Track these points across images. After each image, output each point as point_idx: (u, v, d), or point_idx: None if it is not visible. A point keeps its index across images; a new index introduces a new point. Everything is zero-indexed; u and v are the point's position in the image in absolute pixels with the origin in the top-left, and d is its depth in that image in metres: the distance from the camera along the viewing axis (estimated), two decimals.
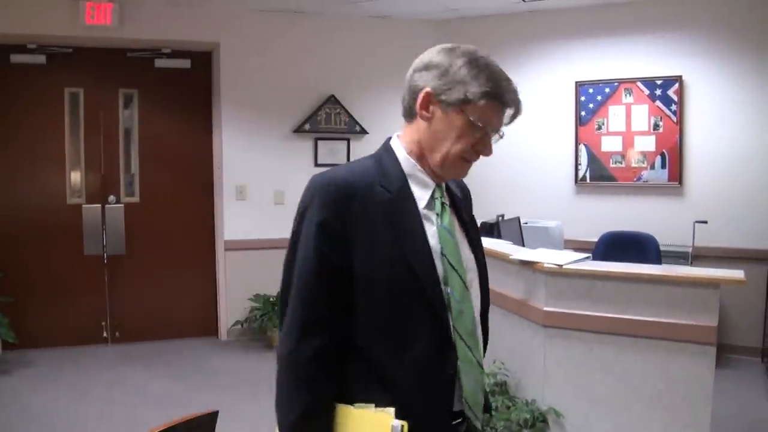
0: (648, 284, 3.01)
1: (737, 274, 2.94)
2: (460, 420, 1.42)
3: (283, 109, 5.79)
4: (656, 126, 5.34)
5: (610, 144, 5.51)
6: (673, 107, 5.26)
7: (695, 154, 5.26)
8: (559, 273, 3.15)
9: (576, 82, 5.57)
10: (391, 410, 1.30)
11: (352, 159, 5.94)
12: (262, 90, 5.74)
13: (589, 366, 3.13)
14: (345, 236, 1.33)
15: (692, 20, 5.22)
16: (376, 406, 1.32)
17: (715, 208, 5.14)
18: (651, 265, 3.65)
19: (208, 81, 5.82)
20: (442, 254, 1.38)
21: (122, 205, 5.62)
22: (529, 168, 5.64)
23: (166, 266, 5.75)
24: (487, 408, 1.51)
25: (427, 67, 1.38)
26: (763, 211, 5.05)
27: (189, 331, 5.78)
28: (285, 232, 5.98)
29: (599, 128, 5.54)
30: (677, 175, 5.29)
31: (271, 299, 5.58)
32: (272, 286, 5.65)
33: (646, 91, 5.35)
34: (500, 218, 4.56)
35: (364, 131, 5.98)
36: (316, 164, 5.91)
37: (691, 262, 4.91)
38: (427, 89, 1.37)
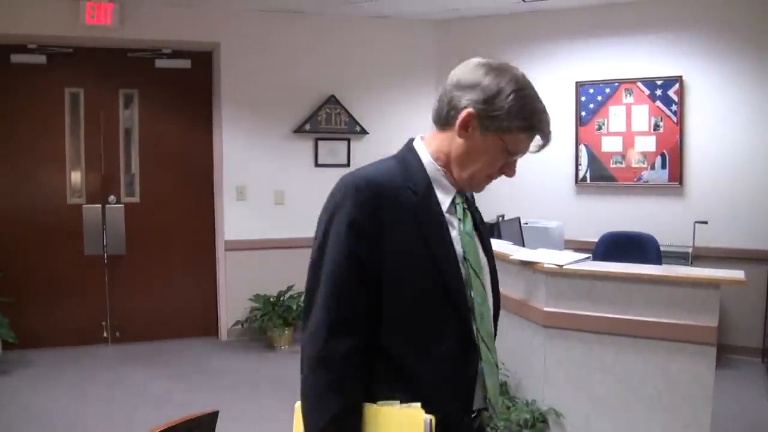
0: (648, 284, 3.01)
1: (737, 274, 2.94)
2: (473, 416, 1.46)
3: (283, 109, 5.79)
4: (656, 126, 5.34)
5: (610, 144, 5.51)
6: (674, 107, 5.26)
7: (695, 155, 5.26)
8: (559, 273, 3.15)
9: (576, 83, 5.57)
10: (418, 405, 1.31)
11: (352, 159, 5.98)
12: (262, 90, 5.74)
13: (589, 366, 3.13)
14: (375, 236, 1.33)
15: (692, 20, 5.22)
16: (401, 403, 1.33)
17: (715, 208, 5.14)
18: (651, 266, 3.65)
19: (208, 81, 5.82)
20: (465, 258, 1.42)
21: (122, 205, 5.62)
22: (529, 168, 5.57)
23: (166, 266, 5.75)
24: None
25: (472, 87, 1.38)
26: (763, 212, 5.05)
27: (189, 331, 5.78)
28: (285, 232, 5.98)
29: (599, 128, 5.54)
30: (677, 175, 5.29)
31: (271, 299, 5.58)
32: (272, 286, 5.66)
33: (647, 92, 5.35)
34: (500, 218, 4.56)
35: (364, 131, 5.98)
36: (316, 164, 5.91)
37: (692, 263, 4.90)
38: (471, 110, 1.37)
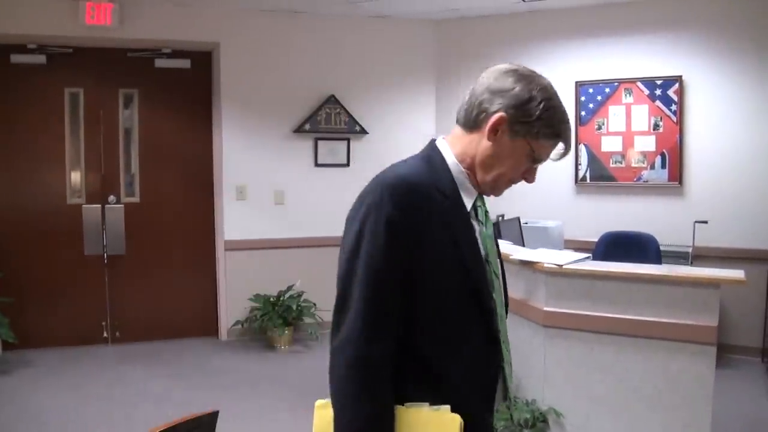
0: (648, 284, 3.01)
1: (737, 274, 2.94)
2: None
3: (283, 109, 5.79)
4: (656, 126, 5.34)
5: (610, 144, 5.51)
6: (673, 107, 5.26)
7: (695, 154, 5.26)
8: (559, 273, 3.15)
9: (576, 82, 5.57)
10: (447, 407, 1.32)
11: (351, 159, 5.98)
12: (262, 90, 5.74)
13: (589, 366, 3.13)
14: (412, 236, 1.33)
15: (692, 20, 5.22)
16: (431, 404, 1.34)
17: (715, 208, 5.14)
18: (651, 265, 3.65)
19: (208, 81, 5.82)
20: (487, 261, 1.45)
21: (122, 205, 5.62)
22: None
23: (166, 266, 5.75)
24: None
25: (504, 92, 1.40)
26: (763, 212, 5.05)
27: (189, 331, 5.78)
28: (285, 231, 5.96)
29: (599, 128, 5.54)
30: (677, 175, 5.29)
31: (271, 299, 5.58)
32: (272, 286, 5.66)
33: (646, 91, 5.35)
34: (500, 218, 4.56)
35: (364, 131, 5.98)
36: (316, 164, 5.91)
37: (691, 262, 4.90)
38: (503, 114, 1.39)
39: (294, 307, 5.52)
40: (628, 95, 5.42)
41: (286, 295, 5.61)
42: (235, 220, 5.73)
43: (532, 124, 1.39)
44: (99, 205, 5.56)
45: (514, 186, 1.51)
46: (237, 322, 5.71)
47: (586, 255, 3.46)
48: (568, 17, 5.60)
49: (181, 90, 5.73)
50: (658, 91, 5.31)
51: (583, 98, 5.57)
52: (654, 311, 2.98)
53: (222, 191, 5.72)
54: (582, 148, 5.60)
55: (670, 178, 5.31)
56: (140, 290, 5.66)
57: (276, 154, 5.80)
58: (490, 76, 1.43)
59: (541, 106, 1.38)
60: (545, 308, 3.19)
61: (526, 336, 3.36)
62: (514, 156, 1.42)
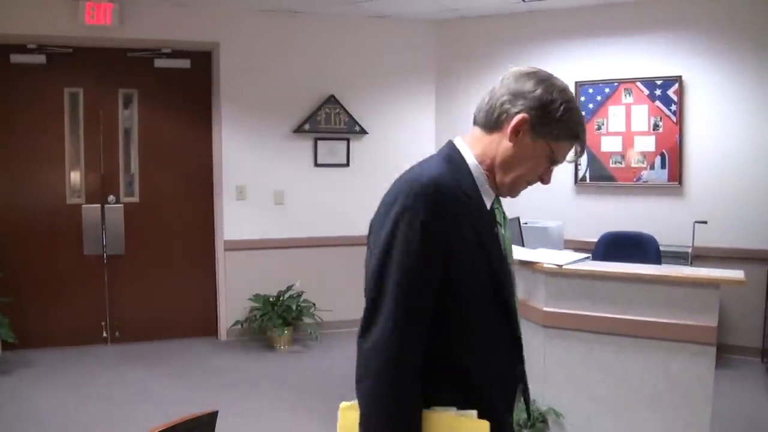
0: (648, 284, 3.01)
1: (737, 274, 2.94)
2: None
3: (283, 109, 5.79)
4: (656, 126, 5.34)
5: (609, 144, 5.51)
6: (673, 107, 5.26)
7: (695, 154, 5.26)
8: (559, 273, 3.15)
9: (576, 82, 5.56)
10: (473, 412, 1.33)
11: (351, 159, 5.98)
12: (262, 90, 5.74)
13: (589, 366, 3.13)
14: (443, 239, 1.33)
15: (692, 20, 5.22)
16: (458, 408, 1.34)
17: (715, 208, 5.14)
18: (651, 266, 3.65)
19: (208, 81, 5.82)
20: (507, 262, 1.49)
21: (122, 205, 5.62)
22: None
23: (166, 266, 5.75)
24: None
25: (526, 94, 1.42)
26: (763, 212, 5.05)
27: (189, 331, 5.78)
28: (285, 231, 5.95)
29: (599, 128, 5.54)
30: (677, 175, 5.29)
31: (271, 299, 5.58)
32: (272, 286, 5.65)
33: (646, 91, 5.35)
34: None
35: (364, 131, 5.98)
36: (316, 164, 5.91)
37: (691, 263, 4.90)
38: (525, 116, 1.41)
39: (294, 307, 5.52)
40: (627, 95, 5.42)
41: (286, 295, 5.61)
42: (235, 220, 5.73)
43: (553, 126, 1.41)
44: (98, 205, 5.56)
45: None
46: (237, 322, 5.71)
47: (586, 255, 3.46)
48: (568, 17, 5.60)
49: (181, 90, 5.73)
50: (657, 91, 5.31)
51: (582, 98, 5.56)
52: (654, 311, 2.98)
53: (222, 191, 5.72)
54: None
55: (670, 179, 5.31)
56: (140, 290, 5.66)
57: (276, 154, 5.80)
58: (511, 79, 1.45)
59: (562, 108, 1.41)
60: (545, 308, 3.19)
61: (525, 336, 3.31)
62: (534, 157, 1.44)
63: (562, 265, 3.14)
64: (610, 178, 5.53)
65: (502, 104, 1.43)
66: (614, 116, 5.48)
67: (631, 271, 3.11)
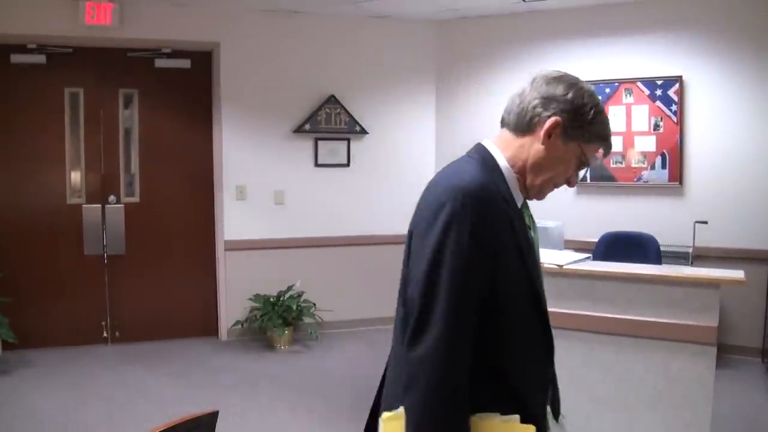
0: (648, 284, 3.01)
1: (737, 274, 2.94)
2: None
3: (283, 109, 5.79)
4: (656, 126, 5.34)
5: None
6: (674, 107, 5.26)
7: (695, 154, 5.26)
8: (559, 273, 3.15)
9: None
10: (516, 417, 1.35)
11: (352, 159, 5.98)
12: (262, 90, 5.74)
13: (589, 366, 3.13)
14: (491, 244, 1.33)
15: (692, 20, 5.21)
16: (502, 414, 1.35)
17: (715, 208, 5.14)
18: (651, 266, 3.65)
19: (208, 81, 5.81)
20: (539, 266, 1.51)
21: (122, 205, 5.62)
22: None
23: (166, 266, 5.75)
24: None
25: (557, 98, 1.44)
26: (763, 212, 5.04)
27: (189, 331, 5.78)
28: (285, 232, 5.95)
29: None
30: (677, 175, 5.29)
31: (271, 299, 5.58)
32: (272, 286, 5.65)
33: (647, 92, 5.35)
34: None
35: (364, 131, 5.98)
36: (316, 164, 5.91)
37: (692, 263, 4.90)
38: (558, 119, 1.43)
39: (294, 307, 5.52)
40: (628, 95, 5.42)
41: (286, 295, 5.61)
42: (235, 220, 5.73)
43: (584, 129, 1.45)
44: (99, 205, 5.56)
45: None
46: (237, 322, 5.71)
47: (587, 255, 3.46)
48: (568, 17, 5.60)
49: (181, 90, 5.73)
50: (658, 92, 5.31)
51: None
52: (654, 311, 2.98)
53: (222, 191, 5.72)
54: None
55: (671, 179, 5.31)
56: (140, 290, 5.66)
57: (276, 154, 5.80)
58: (541, 82, 1.46)
59: (592, 111, 1.45)
60: None
61: None
62: (564, 160, 1.46)
63: (562, 265, 3.14)
64: (610, 178, 5.53)
65: (534, 107, 1.45)
66: (615, 116, 5.47)
67: (632, 271, 3.11)
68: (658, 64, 5.31)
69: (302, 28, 5.79)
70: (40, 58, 5.31)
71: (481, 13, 5.78)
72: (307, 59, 5.83)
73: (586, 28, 5.56)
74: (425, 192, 1.42)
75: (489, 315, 1.33)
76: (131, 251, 5.63)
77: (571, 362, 3.16)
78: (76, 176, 5.54)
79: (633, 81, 5.38)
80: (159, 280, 5.72)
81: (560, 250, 4.19)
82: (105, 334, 5.60)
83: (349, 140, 5.97)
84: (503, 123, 1.50)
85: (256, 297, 5.62)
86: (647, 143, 5.37)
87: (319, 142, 5.90)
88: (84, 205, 5.52)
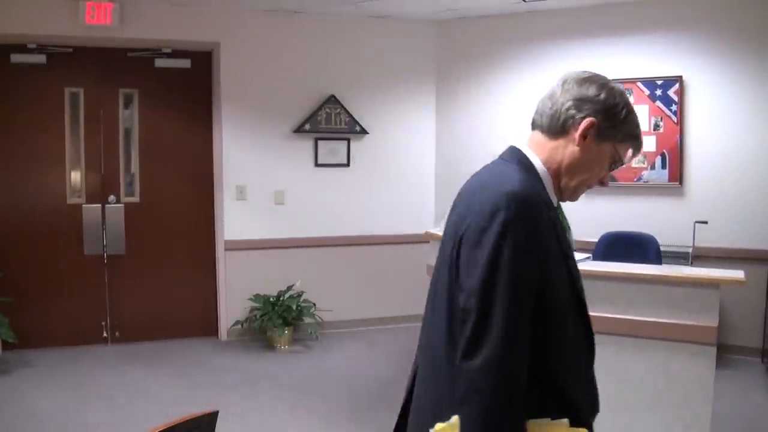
0: (648, 284, 3.00)
1: (737, 274, 2.94)
2: None
3: (283, 109, 5.79)
4: (656, 126, 5.34)
5: None
6: (674, 107, 5.26)
7: (695, 155, 5.26)
8: None
9: None
10: (566, 421, 1.35)
11: (352, 159, 5.98)
12: (262, 90, 5.74)
13: None
14: (542, 251, 1.33)
15: (692, 20, 5.21)
16: (551, 419, 1.34)
17: (715, 208, 5.14)
18: (651, 266, 3.65)
19: (208, 81, 5.81)
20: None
21: (122, 205, 5.62)
22: None
23: (166, 266, 5.75)
24: None
25: (590, 100, 1.45)
26: (763, 212, 5.04)
27: (189, 331, 5.77)
28: (285, 232, 5.95)
29: None
30: (677, 175, 5.29)
31: (271, 299, 5.58)
32: (272, 286, 5.65)
33: (647, 92, 5.35)
34: None
35: (364, 131, 5.97)
36: (316, 164, 5.91)
37: (692, 263, 4.90)
38: (592, 119, 1.44)
39: (294, 307, 5.52)
40: (628, 95, 5.41)
41: (286, 295, 5.61)
42: (235, 220, 5.73)
43: (618, 128, 1.45)
44: (99, 205, 5.56)
45: None
46: (237, 322, 5.71)
47: (586, 255, 3.46)
48: (568, 17, 5.60)
49: (181, 90, 5.73)
50: (658, 92, 5.31)
51: None
52: (654, 311, 2.98)
53: (222, 191, 5.72)
54: None
55: (671, 179, 5.31)
56: (140, 290, 5.66)
57: (276, 154, 5.80)
58: (572, 84, 1.46)
59: (624, 111, 1.46)
60: None
61: None
62: (598, 161, 1.47)
63: None
64: (610, 178, 5.47)
65: (568, 109, 1.45)
66: None
67: (632, 271, 3.11)
68: (658, 64, 5.31)
69: (302, 28, 5.79)
70: (40, 58, 5.31)
71: (481, 13, 5.78)
72: (307, 59, 5.83)
73: (586, 28, 5.56)
74: (467, 198, 1.41)
75: (539, 319, 1.33)
76: (131, 251, 5.63)
77: None
78: (76, 176, 5.54)
79: (633, 81, 5.38)
80: (159, 280, 5.72)
81: None
82: (105, 334, 5.60)
83: (349, 140, 5.97)
84: (534, 125, 1.51)
85: (256, 297, 5.62)
86: (647, 143, 5.36)
87: (319, 142, 5.90)
88: (84, 205, 5.53)
